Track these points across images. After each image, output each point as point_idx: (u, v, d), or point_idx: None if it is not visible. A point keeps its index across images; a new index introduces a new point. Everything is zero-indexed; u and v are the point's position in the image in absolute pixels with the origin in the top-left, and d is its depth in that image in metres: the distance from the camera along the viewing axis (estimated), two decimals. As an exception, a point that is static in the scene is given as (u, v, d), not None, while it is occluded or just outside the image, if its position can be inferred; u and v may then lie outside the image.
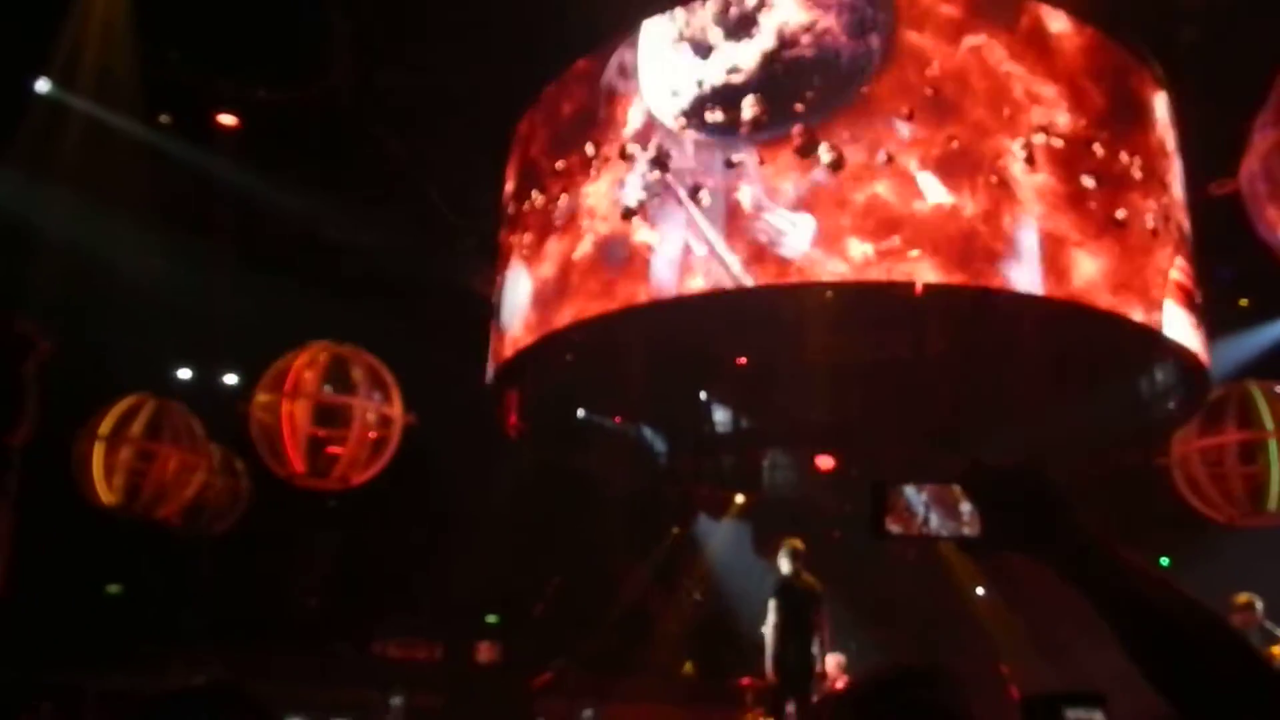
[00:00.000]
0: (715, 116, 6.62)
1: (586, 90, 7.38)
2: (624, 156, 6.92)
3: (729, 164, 6.49)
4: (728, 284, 6.30)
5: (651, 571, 11.60)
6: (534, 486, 10.85)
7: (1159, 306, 6.56)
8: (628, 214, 6.79)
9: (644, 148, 6.83)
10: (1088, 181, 6.44)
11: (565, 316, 7.05)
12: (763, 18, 6.65)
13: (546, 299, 7.24)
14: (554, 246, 7.27)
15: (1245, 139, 5.32)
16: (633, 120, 6.98)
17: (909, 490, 1.33)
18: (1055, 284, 6.22)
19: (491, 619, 11.50)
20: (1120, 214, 6.52)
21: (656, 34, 7.04)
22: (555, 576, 11.37)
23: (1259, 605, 7.04)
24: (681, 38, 6.94)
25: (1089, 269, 6.31)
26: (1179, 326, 6.68)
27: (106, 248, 8.94)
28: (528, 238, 7.61)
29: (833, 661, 8.86)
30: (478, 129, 8.46)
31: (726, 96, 6.61)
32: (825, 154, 6.29)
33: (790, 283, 6.33)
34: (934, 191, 6.16)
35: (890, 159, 6.18)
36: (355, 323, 9.08)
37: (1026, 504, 1.27)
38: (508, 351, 7.73)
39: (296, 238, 9.76)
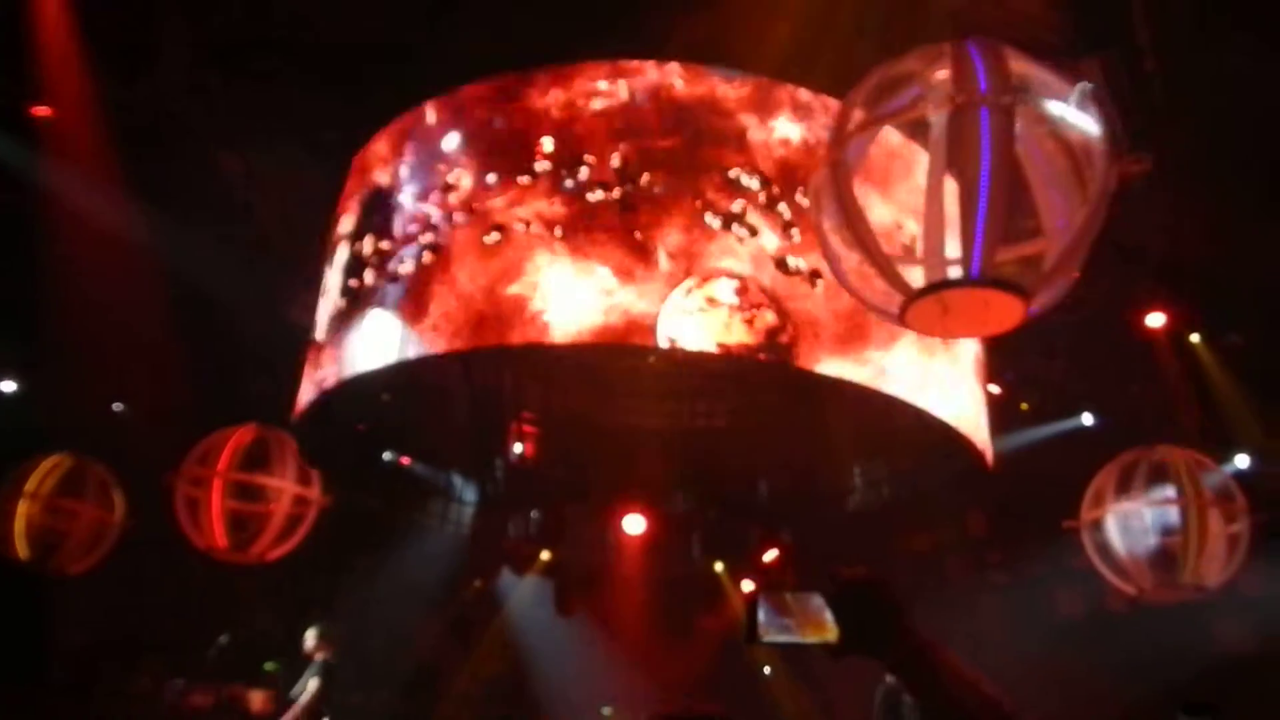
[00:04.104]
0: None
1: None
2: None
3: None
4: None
5: (448, 624, 11.25)
6: (328, 529, 10.38)
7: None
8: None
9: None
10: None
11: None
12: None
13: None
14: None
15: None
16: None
17: (779, 601, 1.51)
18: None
19: (270, 666, 10.82)
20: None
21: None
22: (224, 634, 10.90)
23: None
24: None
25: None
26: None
27: None
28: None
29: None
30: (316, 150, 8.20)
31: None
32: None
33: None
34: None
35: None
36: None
37: (873, 612, 1.49)
38: (325, 384, 7.45)
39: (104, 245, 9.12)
